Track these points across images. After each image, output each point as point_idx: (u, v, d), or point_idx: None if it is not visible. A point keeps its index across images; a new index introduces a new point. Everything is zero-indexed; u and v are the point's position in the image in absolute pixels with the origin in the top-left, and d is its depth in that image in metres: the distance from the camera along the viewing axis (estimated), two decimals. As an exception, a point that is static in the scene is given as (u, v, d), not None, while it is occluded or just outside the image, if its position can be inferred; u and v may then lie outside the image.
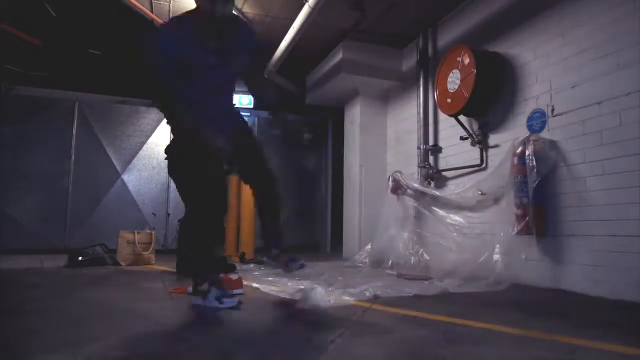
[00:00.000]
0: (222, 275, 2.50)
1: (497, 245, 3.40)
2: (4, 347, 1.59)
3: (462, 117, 4.14)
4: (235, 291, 2.73)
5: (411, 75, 5.24)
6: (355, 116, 5.84)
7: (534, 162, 3.19)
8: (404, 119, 5.41)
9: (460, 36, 4.46)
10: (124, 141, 6.91)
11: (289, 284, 3.14)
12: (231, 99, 2.62)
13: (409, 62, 5.35)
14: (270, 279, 3.41)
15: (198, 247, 2.33)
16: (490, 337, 1.79)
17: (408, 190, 4.64)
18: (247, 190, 5.66)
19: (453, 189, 4.26)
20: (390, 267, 4.30)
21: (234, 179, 6.49)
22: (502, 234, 3.39)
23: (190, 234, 2.44)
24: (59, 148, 6.60)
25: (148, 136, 7.04)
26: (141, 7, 4.71)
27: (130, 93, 7.03)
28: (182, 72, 2.24)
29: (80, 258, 4.55)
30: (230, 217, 6.42)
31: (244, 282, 2.95)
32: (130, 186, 6.87)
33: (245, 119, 2.70)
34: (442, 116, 4.57)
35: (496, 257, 3.37)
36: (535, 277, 3.29)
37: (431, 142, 4.82)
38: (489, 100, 3.91)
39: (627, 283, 2.67)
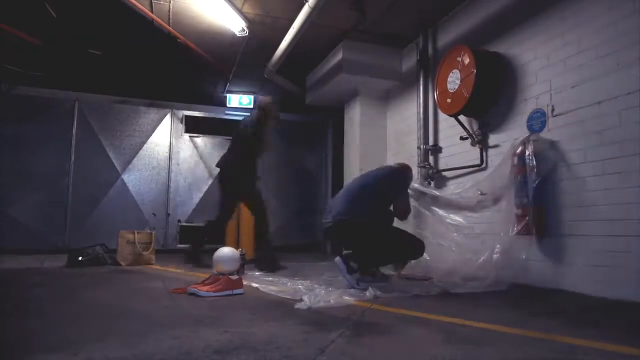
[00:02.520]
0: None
1: (497, 245, 3.39)
2: (4, 347, 1.59)
3: (462, 117, 4.14)
4: (235, 291, 2.74)
5: (411, 75, 5.24)
6: (355, 116, 5.84)
7: (534, 162, 3.19)
8: (404, 119, 5.41)
9: (460, 36, 4.46)
10: (124, 141, 6.91)
11: (289, 284, 3.14)
12: None
13: (409, 62, 5.35)
14: (270, 279, 3.41)
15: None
16: (490, 337, 1.79)
17: (408, 190, 4.63)
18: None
19: (453, 189, 4.26)
20: (390, 267, 4.29)
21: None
22: (502, 234, 3.38)
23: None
24: (59, 148, 6.60)
25: (148, 136, 7.04)
26: (141, 7, 4.71)
27: (130, 93, 7.05)
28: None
29: (80, 258, 4.55)
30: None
31: (244, 282, 2.95)
32: (130, 186, 6.87)
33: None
34: (442, 116, 4.57)
35: (496, 257, 3.36)
36: (535, 277, 3.29)
37: (431, 142, 4.82)
38: (489, 100, 3.90)
39: (627, 283, 2.67)
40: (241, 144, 4.59)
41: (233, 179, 4.58)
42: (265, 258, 4.34)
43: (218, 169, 4.85)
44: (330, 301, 2.43)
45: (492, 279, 3.23)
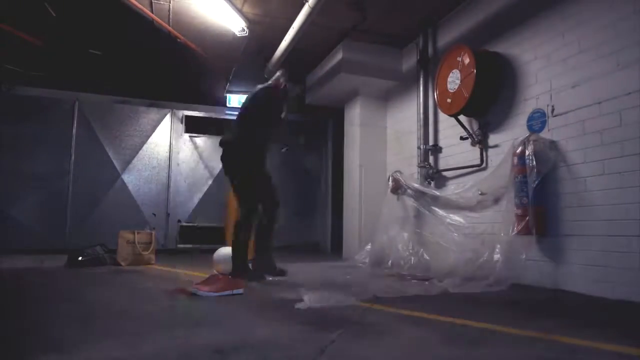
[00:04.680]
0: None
1: (497, 245, 3.40)
2: (4, 347, 1.59)
3: (462, 117, 4.14)
4: (235, 291, 2.74)
5: (411, 75, 5.24)
6: (355, 116, 5.84)
7: (534, 162, 3.19)
8: (404, 119, 5.41)
9: (460, 36, 4.46)
10: (124, 141, 6.91)
11: (289, 284, 3.14)
12: None
13: (409, 62, 5.35)
14: (270, 279, 3.41)
15: None
16: (490, 337, 1.79)
17: (408, 190, 4.64)
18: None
19: (453, 189, 4.25)
20: (391, 267, 4.29)
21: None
22: (502, 234, 3.39)
23: None
24: (59, 148, 6.59)
25: (148, 136, 7.04)
26: (141, 7, 4.72)
27: (130, 93, 7.05)
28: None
29: (80, 258, 4.54)
30: (230, 217, 6.42)
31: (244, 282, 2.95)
32: (130, 186, 6.86)
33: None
34: (442, 116, 4.57)
35: (496, 257, 3.36)
36: (535, 277, 3.29)
37: (431, 142, 4.82)
38: (489, 100, 3.91)
39: (627, 283, 2.67)
40: (257, 109, 3.55)
41: (236, 154, 3.52)
42: (266, 265, 3.51)
43: (220, 163, 3.82)
44: (330, 301, 2.43)
45: (492, 279, 3.23)
